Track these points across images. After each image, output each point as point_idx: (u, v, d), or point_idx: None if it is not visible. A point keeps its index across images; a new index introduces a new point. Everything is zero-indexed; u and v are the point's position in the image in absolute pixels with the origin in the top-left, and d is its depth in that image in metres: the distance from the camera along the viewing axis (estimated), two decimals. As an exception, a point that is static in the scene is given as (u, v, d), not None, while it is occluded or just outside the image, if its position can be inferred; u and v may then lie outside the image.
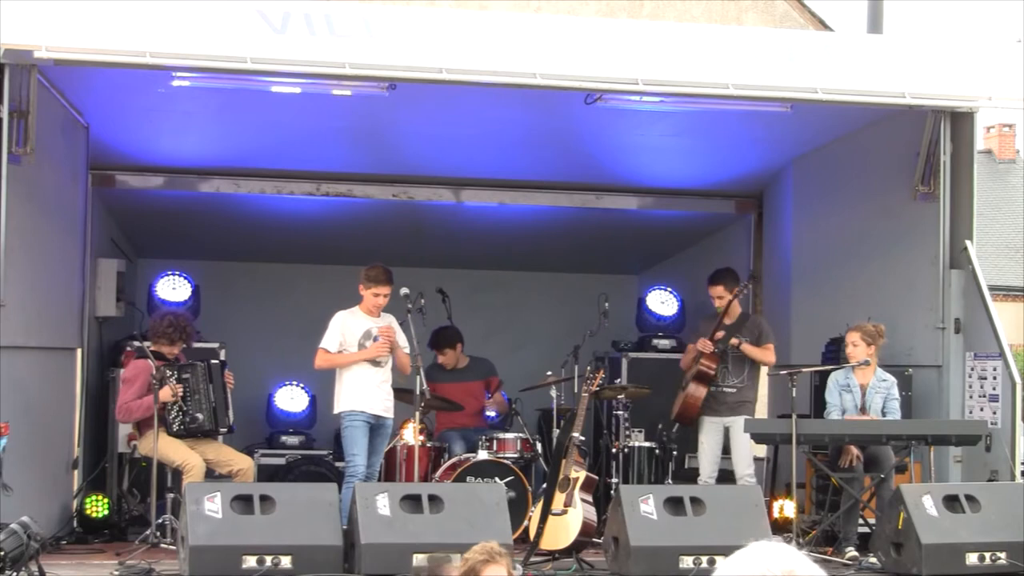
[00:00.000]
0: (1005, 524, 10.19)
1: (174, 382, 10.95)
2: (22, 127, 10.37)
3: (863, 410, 11.31)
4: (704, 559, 9.76)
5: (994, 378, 11.47)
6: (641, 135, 12.76)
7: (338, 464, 12.34)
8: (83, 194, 12.24)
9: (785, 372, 11.51)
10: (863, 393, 11.35)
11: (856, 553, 10.82)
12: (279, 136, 12.65)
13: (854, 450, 11.22)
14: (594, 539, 10.86)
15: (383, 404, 11.09)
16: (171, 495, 11.02)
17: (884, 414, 11.31)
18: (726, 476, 11.92)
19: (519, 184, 13.74)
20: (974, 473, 11.44)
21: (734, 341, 11.69)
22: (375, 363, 11.06)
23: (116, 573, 9.89)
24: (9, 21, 9.95)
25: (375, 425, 11.02)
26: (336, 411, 11.15)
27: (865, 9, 17.37)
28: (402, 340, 11.27)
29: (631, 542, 9.84)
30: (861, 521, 11.30)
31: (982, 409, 11.54)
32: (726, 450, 11.80)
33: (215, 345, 12.55)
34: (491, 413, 13.35)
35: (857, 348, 11.32)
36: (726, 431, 11.69)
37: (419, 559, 9.41)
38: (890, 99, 11.32)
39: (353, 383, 11.04)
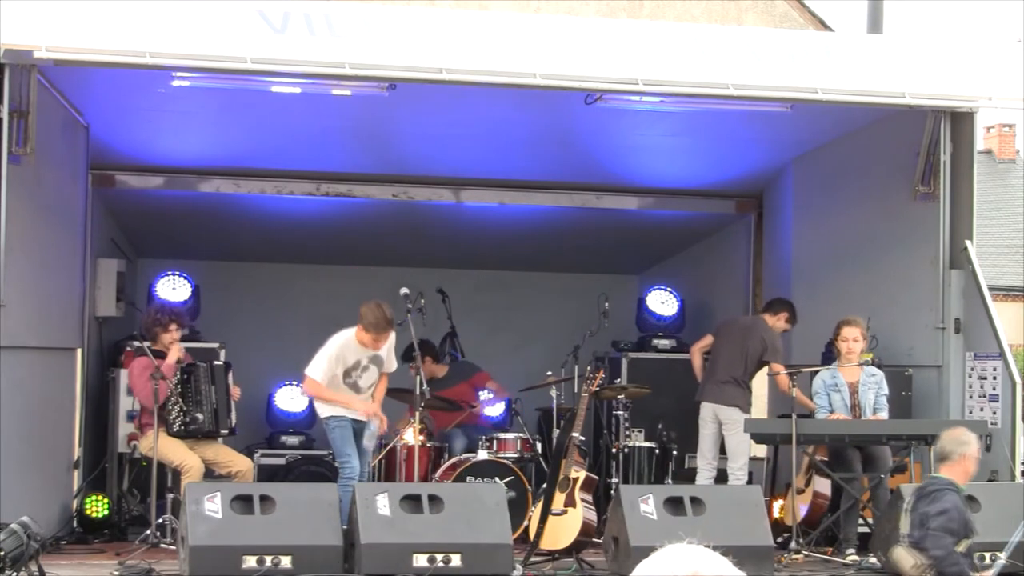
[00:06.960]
0: (1005, 524, 10.18)
1: (173, 384, 10.96)
2: (22, 127, 10.37)
3: (854, 408, 11.30)
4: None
5: (994, 378, 11.47)
6: (641, 135, 12.75)
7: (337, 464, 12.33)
8: (83, 194, 12.23)
9: (785, 372, 11.51)
10: (852, 391, 11.33)
11: (857, 556, 10.81)
12: (279, 136, 12.65)
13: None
14: (594, 539, 10.85)
15: (364, 407, 11.00)
16: (171, 495, 11.01)
17: (875, 410, 11.30)
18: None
19: (519, 184, 13.73)
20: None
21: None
22: (357, 389, 11.00)
23: (116, 573, 9.89)
24: (9, 21, 9.95)
25: (357, 429, 10.94)
26: (322, 416, 11.09)
27: (865, 9, 17.37)
28: (390, 365, 11.18)
29: (631, 542, 9.84)
30: (861, 521, 11.30)
31: (982, 409, 11.53)
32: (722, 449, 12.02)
33: (215, 345, 12.55)
34: (493, 414, 13.35)
35: (859, 343, 11.31)
36: None
37: None
38: (890, 99, 11.32)
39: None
